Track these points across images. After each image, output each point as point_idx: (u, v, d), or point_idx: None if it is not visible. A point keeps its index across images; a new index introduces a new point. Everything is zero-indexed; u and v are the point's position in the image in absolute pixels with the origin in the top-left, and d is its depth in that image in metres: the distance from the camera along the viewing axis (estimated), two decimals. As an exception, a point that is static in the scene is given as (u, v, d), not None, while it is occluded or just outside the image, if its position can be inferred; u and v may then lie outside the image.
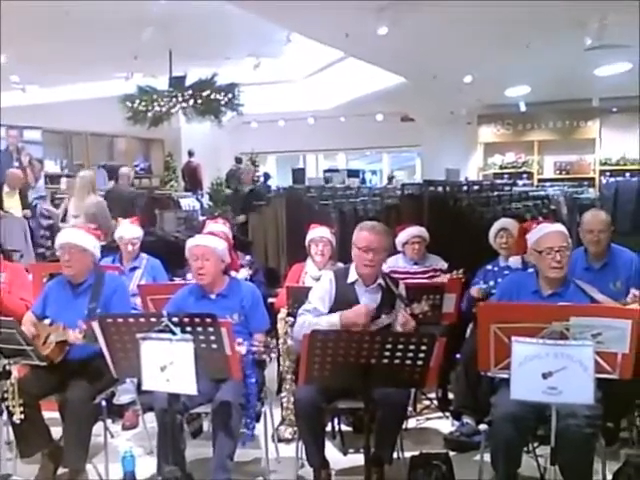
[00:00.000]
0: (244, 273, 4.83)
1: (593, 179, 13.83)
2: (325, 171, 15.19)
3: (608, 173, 13.80)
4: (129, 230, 5.21)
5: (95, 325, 3.09)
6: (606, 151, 14.05)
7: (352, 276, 3.74)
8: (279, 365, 4.52)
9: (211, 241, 3.84)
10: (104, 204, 7.30)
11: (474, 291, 4.57)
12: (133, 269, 5.10)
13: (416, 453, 3.60)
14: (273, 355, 4.61)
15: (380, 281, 3.73)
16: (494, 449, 3.20)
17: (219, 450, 3.39)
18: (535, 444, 3.43)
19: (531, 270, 4.06)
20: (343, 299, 3.70)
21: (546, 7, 7.05)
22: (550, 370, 2.63)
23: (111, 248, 5.29)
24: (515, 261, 4.67)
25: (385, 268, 4.94)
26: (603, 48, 8.33)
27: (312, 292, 3.82)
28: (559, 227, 3.62)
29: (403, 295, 3.74)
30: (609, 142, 14.01)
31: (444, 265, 5.07)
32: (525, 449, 3.38)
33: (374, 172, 17.86)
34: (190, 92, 9.50)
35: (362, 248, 3.63)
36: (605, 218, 4.19)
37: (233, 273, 4.06)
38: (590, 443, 3.06)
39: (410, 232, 5.16)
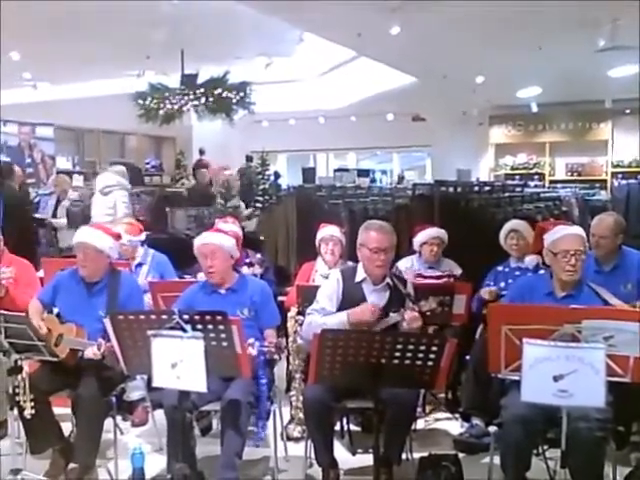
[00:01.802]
0: (246, 270, 4.82)
1: (605, 181, 13.76)
2: (336, 170, 15.18)
3: (620, 175, 13.72)
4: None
5: (107, 321, 3.10)
6: (618, 153, 13.98)
7: (360, 275, 3.75)
8: (288, 364, 4.53)
9: (218, 238, 3.85)
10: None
11: (485, 293, 4.54)
12: (139, 265, 5.06)
13: (425, 454, 3.60)
14: (283, 354, 4.63)
15: (388, 280, 3.73)
16: (504, 451, 3.19)
17: (227, 448, 3.40)
18: (545, 447, 3.41)
19: (542, 272, 4.06)
20: (351, 298, 3.71)
21: (558, 8, 7.02)
22: (561, 373, 2.61)
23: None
24: (530, 261, 4.64)
25: (403, 269, 4.94)
26: (615, 49, 8.29)
27: (320, 291, 3.83)
28: (577, 230, 3.60)
29: (411, 294, 3.74)
30: (621, 144, 13.93)
31: (458, 271, 5.03)
32: (535, 452, 3.36)
33: (384, 172, 17.84)
34: (202, 90, 9.51)
35: (373, 249, 3.63)
36: (610, 224, 4.16)
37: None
38: (601, 446, 3.04)
39: (429, 233, 5.11)
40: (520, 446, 3.11)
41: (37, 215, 8.25)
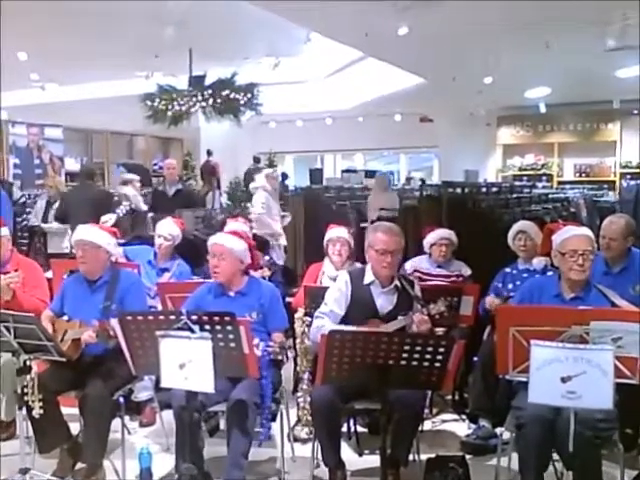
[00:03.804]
0: (259, 274, 4.82)
1: (614, 182, 13.71)
2: (343, 171, 15.19)
3: (629, 176, 13.67)
4: (164, 226, 5.13)
5: (114, 322, 3.12)
6: (627, 154, 13.92)
7: (368, 277, 3.74)
8: (296, 365, 4.53)
9: (230, 241, 3.84)
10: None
11: (489, 304, 4.51)
12: (164, 270, 5.00)
13: (432, 455, 3.59)
14: (290, 355, 4.62)
15: (396, 282, 3.73)
16: (524, 452, 3.15)
17: (234, 448, 3.40)
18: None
19: (550, 273, 4.05)
20: (359, 300, 3.71)
21: (567, 8, 7.00)
22: (569, 374, 2.61)
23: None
24: (539, 262, 4.63)
25: (408, 268, 4.95)
26: (624, 49, 8.27)
27: (328, 294, 3.82)
28: (585, 231, 3.59)
29: (419, 296, 3.73)
30: (630, 145, 13.88)
31: (467, 271, 5.04)
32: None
33: (391, 173, 17.84)
34: (210, 91, 9.53)
35: (379, 251, 3.64)
36: (621, 226, 4.15)
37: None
38: (598, 448, 3.03)
39: (439, 233, 5.14)
40: (542, 446, 3.09)
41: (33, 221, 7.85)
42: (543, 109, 13.66)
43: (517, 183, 11.06)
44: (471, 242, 5.29)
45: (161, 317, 3.08)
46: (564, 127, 14.48)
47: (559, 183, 13.99)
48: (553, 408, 2.89)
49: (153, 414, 4.60)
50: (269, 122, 15.83)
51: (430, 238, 5.16)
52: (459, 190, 6.78)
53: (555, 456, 3.39)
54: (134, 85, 11.34)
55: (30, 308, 3.94)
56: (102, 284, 3.90)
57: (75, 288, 3.96)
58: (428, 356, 2.86)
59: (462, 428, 4.52)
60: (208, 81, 9.71)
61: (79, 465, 3.70)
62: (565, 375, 2.61)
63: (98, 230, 4.00)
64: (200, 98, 9.50)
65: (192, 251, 5.27)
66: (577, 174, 14.37)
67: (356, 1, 6.87)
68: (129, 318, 3.10)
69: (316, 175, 14.25)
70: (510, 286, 4.62)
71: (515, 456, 3.29)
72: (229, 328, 3.00)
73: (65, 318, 3.85)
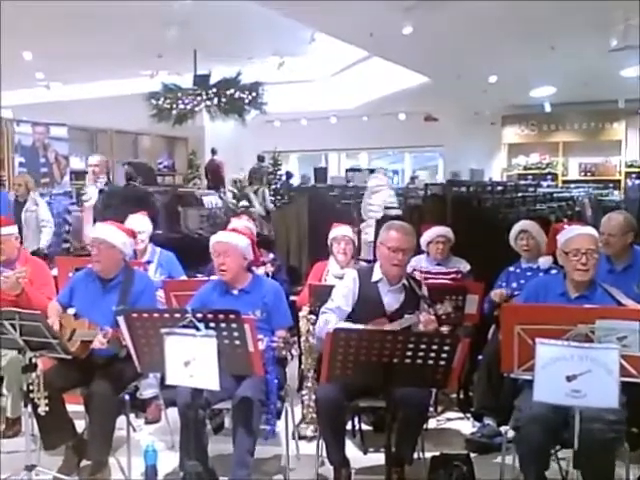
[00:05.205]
0: (262, 270, 4.83)
1: (619, 181, 13.69)
2: (348, 170, 15.17)
3: (634, 175, 13.65)
4: (136, 223, 5.02)
5: (120, 320, 3.12)
6: (632, 153, 13.90)
7: (376, 275, 3.75)
8: (300, 363, 4.53)
9: (232, 238, 3.84)
10: None
11: (495, 295, 4.51)
12: (147, 262, 4.99)
13: (437, 454, 3.59)
14: (295, 353, 4.63)
15: (404, 281, 3.73)
16: (524, 452, 3.15)
17: (239, 446, 3.40)
18: (557, 447, 3.40)
19: (554, 272, 4.04)
20: (366, 298, 3.72)
21: (572, 8, 7.00)
22: (574, 373, 2.60)
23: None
24: (545, 261, 4.62)
25: (408, 267, 4.95)
26: (628, 49, 8.26)
27: (335, 290, 3.82)
28: (589, 230, 3.58)
29: (426, 296, 3.73)
30: (635, 144, 13.86)
31: (466, 267, 5.04)
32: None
33: (395, 172, 17.83)
34: (214, 90, 9.55)
35: (392, 248, 3.64)
36: (619, 222, 4.14)
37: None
38: (613, 448, 3.03)
39: (435, 231, 5.14)
40: (541, 446, 3.09)
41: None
42: (548, 108, 13.65)
43: (522, 182, 11.04)
44: (476, 241, 5.29)
45: (166, 315, 3.08)
46: (569, 126, 14.47)
47: (564, 182, 13.98)
48: (554, 407, 2.88)
49: (158, 411, 4.60)
50: (274, 121, 15.84)
51: (427, 236, 5.15)
52: (464, 189, 6.78)
53: (559, 454, 3.40)
54: (139, 84, 11.38)
55: (38, 304, 3.96)
56: (116, 284, 3.88)
57: (86, 285, 3.94)
58: (433, 354, 2.86)
59: (467, 426, 4.52)
60: (213, 80, 9.74)
61: (84, 462, 3.71)
62: (570, 374, 2.61)
63: (115, 229, 3.97)
64: (205, 97, 9.52)
65: (196, 249, 5.28)
66: (582, 173, 14.36)
67: (361, 1, 6.88)
68: (135, 316, 3.10)
69: (320, 174, 14.26)
70: (514, 285, 4.61)
71: (520, 454, 3.29)
72: (234, 326, 3.01)
73: (70, 312, 3.84)
